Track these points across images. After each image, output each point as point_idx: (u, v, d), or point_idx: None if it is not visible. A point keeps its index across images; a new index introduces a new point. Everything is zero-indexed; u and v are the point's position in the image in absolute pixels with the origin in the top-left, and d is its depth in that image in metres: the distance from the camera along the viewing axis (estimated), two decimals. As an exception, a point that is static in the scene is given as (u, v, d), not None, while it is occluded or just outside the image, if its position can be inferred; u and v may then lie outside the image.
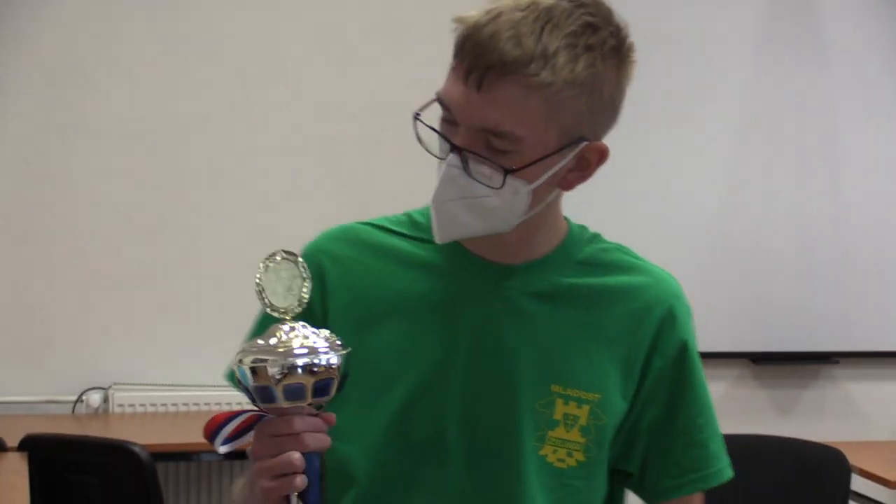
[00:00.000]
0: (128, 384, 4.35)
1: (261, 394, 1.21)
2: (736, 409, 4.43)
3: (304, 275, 1.25)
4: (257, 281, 1.25)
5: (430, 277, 1.40)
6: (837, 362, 4.55)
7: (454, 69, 1.28)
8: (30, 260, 4.18)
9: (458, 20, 1.29)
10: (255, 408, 1.24)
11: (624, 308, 1.41)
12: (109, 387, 4.30)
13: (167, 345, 4.22)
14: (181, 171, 4.20)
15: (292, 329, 1.24)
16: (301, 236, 1.48)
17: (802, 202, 4.51)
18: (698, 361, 1.44)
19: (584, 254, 1.42)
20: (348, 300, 1.39)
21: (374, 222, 1.43)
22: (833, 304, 4.54)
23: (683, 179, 4.48)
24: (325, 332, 1.25)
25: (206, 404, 4.25)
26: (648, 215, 4.39)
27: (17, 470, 3.06)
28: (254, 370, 1.21)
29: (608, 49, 1.27)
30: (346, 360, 1.24)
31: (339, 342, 1.25)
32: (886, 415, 4.58)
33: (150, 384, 4.32)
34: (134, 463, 3.43)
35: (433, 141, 1.32)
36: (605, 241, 1.45)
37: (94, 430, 3.93)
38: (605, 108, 1.30)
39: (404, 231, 1.42)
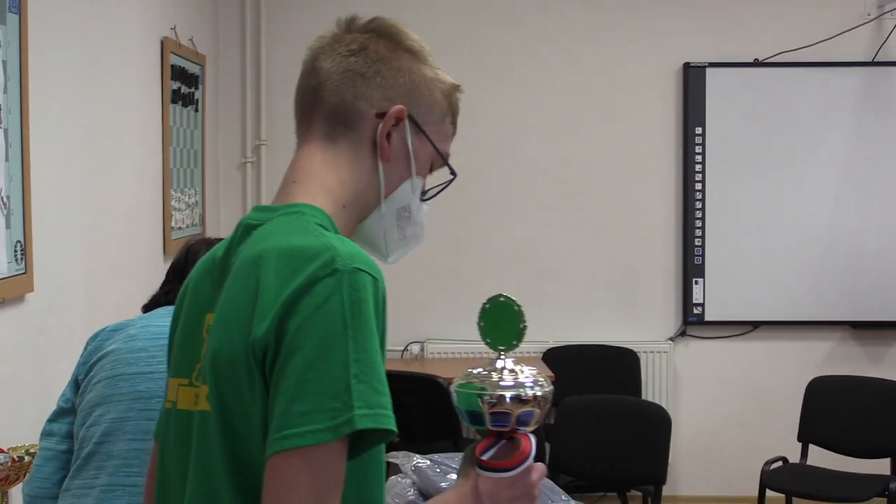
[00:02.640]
0: (437, 339, 4.90)
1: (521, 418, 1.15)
2: (841, 360, 4.96)
3: (521, 318, 1.18)
4: (479, 321, 1.19)
5: None
6: (912, 328, 5.03)
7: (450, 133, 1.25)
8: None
9: (458, 88, 1.21)
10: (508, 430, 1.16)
11: None
12: (425, 341, 4.91)
13: (466, 311, 4.40)
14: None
15: (510, 363, 1.18)
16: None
17: (884, 221, 5.03)
18: None
19: None
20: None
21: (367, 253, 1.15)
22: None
23: (804, 206, 5.01)
24: (533, 371, 1.18)
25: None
26: (783, 229, 4.98)
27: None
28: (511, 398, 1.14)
29: None
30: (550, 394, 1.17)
31: (542, 379, 1.17)
32: (945, 363, 5.05)
33: (452, 339, 4.84)
34: (439, 389, 3.95)
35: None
36: None
37: (415, 369, 4.37)
38: None
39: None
